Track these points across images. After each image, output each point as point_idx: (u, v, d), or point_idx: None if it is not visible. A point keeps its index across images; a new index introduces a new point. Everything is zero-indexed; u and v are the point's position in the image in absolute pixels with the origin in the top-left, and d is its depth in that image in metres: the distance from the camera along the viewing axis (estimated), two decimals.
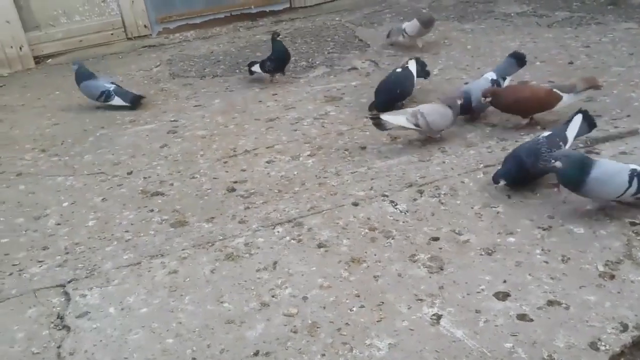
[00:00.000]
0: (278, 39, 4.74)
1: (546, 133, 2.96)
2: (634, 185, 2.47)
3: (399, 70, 4.05)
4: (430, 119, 3.31)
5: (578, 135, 2.99)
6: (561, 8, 5.78)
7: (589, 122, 3.03)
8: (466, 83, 4.02)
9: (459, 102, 3.40)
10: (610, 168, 2.54)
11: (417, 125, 3.32)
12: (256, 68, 4.80)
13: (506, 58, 3.87)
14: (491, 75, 3.72)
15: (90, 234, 2.96)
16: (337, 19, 6.49)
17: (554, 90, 3.38)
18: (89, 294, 2.50)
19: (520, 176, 2.82)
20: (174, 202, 3.18)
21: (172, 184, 3.37)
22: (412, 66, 4.05)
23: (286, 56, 4.77)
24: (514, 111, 3.49)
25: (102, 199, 3.30)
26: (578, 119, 3.00)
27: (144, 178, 3.48)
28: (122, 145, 3.99)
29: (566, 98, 3.37)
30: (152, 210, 3.12)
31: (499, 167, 2.90)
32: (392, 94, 3.91)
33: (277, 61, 4.73)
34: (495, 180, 2.83)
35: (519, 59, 3.79)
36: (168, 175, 3.48)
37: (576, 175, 2.50)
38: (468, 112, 3.58)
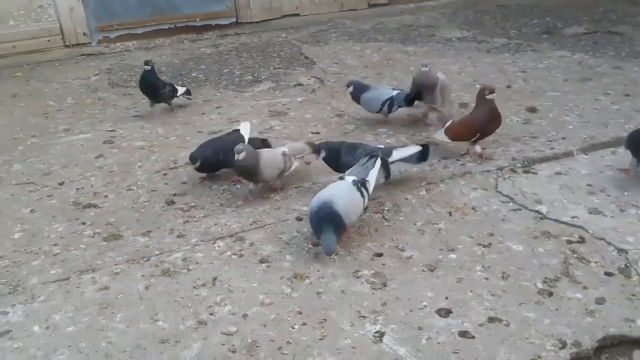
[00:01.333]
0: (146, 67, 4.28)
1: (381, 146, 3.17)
2: None
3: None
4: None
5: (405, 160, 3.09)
6: (499, 35, 6.00)
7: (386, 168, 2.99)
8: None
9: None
10: None
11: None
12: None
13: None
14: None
15: (16, 247, 2.77)
16: (283, 35, 6.49)
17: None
18: (11, 311, 2.32)
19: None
20: (108, 214, 3.03)
21: (106, 196, 3.21)
22: (245, 129, 3.46)
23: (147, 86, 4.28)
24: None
25: (30, 210, 3.11)
26: (415, 148, 3.10)
27: (77, 189, 3.31)
28: (55, 154, 3.80)
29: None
30: (83, 223, 2.96)
31: None
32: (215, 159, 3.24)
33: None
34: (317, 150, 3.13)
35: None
36: (102, 186, 3.32)
37: None
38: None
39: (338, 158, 3.07)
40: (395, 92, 3.85)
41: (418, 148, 3.10)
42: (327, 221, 2.48)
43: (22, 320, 2.28)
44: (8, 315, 2.30)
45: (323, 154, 3.12)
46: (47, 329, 2.22)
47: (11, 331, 2.22)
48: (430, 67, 3.85)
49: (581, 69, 4.81)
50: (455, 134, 3.33)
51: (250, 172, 3.00)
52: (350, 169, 2.85)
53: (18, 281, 2.51)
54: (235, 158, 2.87)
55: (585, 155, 3.31)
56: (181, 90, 4.46)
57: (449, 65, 5.11)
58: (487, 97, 3.23)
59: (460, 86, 4.55)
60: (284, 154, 3.10)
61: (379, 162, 2.85)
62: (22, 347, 2.13)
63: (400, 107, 3.84)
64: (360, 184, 2.68)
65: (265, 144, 3.43)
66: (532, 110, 4.02)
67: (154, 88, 4.30)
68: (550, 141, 3.52)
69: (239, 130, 3.46)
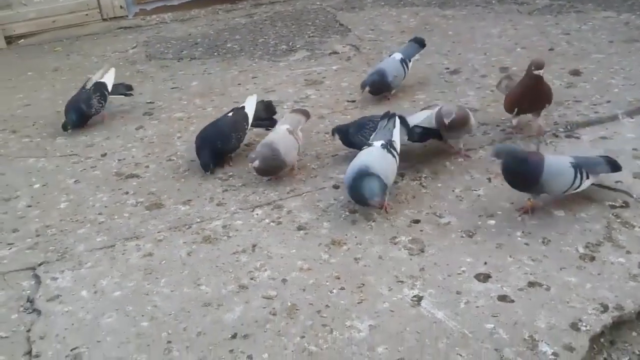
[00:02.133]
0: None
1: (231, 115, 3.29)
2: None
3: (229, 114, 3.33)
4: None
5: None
6: None
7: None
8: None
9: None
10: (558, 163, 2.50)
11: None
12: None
13: (408, 42, 4.06)
14: (399, 55, 3.85)
15: (62, 216, 2.87)
16: (317, 3, 6.40)
17: None
18: (60, 277, 2.42)
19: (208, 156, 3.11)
20: (149, 184, 3.10)
21: (147, 166, 3.28)
22: (250, 105, 3.33)
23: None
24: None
25: (75, 181, 3.20)
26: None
27: (119, 160, 3.39)
28: (97, 127, 3.88)
29: None
30: (126, 193, 3.04)
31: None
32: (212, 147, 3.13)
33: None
34: (204, 167, 3.10)
35: (420, 43, 3.98)
36: (143, 157, 3.40)
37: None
38: (383, 89, 3.77)
39: (348, 138, 3.09)
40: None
41: (429, 112, 3.05)
42: (367, 181, 2.50)
43: (71, 285, 2.38)
44: (57, 281, 2.40)
45: (336, 136, 3.13)
46: (94, 294, 2.31)
47: (61, 296, 2.32)
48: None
49: (628, 30, 4.60)
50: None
51: (274, 170, 2.93)
52: (374, 134, 2.84)
53: (65, 249, 2.61)
54: (252, 167, 2.85)
55: (631, 119, 3.20)
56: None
57: (489, 28, 4.96)
58: (534, 72, 2.95)
59: (500, 50, 4.43)
60: (289, 132, 3.01)
61: (397, 120, 2.85)
62: (72, 311, 2.23)
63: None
64: (389, 146, 2.70)
65: (269, 108, 3.43)
66: (576, 73, 3.89)
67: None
68: (594, 105, 3.41)
69: (243, 107, 3.31)
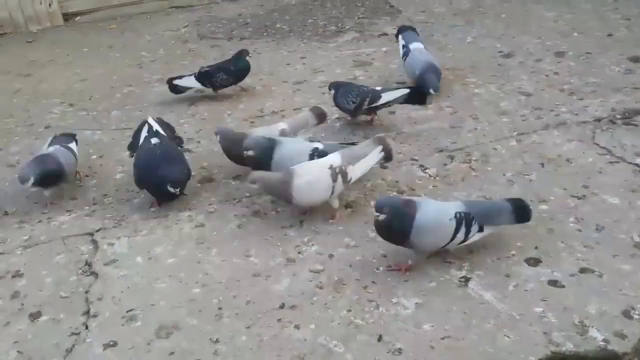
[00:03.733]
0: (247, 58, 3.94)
1: (377, 87, 3.28)
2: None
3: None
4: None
5: (396, 100, 3.19)
6: None
7: (418, 97, 3.20)
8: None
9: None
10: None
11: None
12: (188, 82, 3.87)
13: (409, 32, 3.80)
14: (420, 44, 3.67)
15: (118, 186, 2.97)
16: None
17: None
18: (116, 242, 2.52)
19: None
20: (201, 159, 3.17)
21: (199, 142, 3.36)
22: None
23: (247, 73, 3.93)
24: None
25: (130, 153, 3.30)
26: (403, 90, 3.19)
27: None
28: (150, 102, 3.98)
29: None
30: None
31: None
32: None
33: (236, 76, 3.90)
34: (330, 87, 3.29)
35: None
36: (195, 132, 3.47)
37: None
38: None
39: (336, 98, 3.25)
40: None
41: (406, 90, 3.18)
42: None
43: (127, 251, 2.47)
44: (114, 247, 2.50)
45: (332, 91, 3.27)
46: (149, 260, 2.40)
47: (117, 260, 2.41)
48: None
49: None
50: None
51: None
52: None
53: (122, 216, 2.70)
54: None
55: None
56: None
57: (545, 12, 4.82)
58: None
59: (556, 34, 4.31)
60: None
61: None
62: (127, 275, 2.32)
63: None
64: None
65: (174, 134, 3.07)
66: (636, 60, 3.75)
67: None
68: None
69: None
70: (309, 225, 2.52)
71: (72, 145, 2.99)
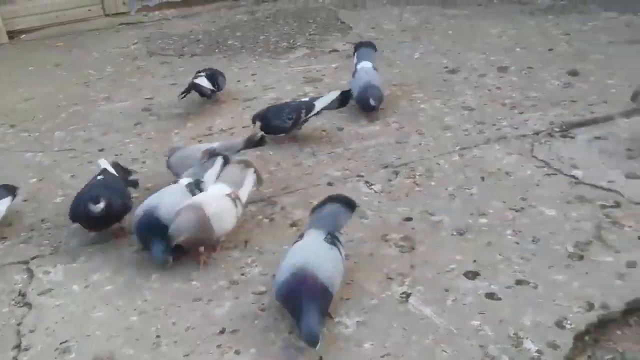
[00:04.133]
0: None
1: (304, 99, 3.38)
2: None
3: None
4: None
5: (327, 107, 3.31)
6: None
7: (343, 100, 3.35)
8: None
9: None
10: None
11: None
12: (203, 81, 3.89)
13: (363, 49, 3.85)
14: (368, 64, 3.68)
15: (57, 210, 2.89)
16: (320, 0, 6.42)
17: None
18: (52, 271, 2.44)
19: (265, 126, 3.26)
20: (145, 180, 3.11)
21: (144, 162, 3.30)
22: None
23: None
24: None
25: (72, 176, 3.23)
26: (333, 94, 3.33)
27: (116, 155, 3.40)
28: (95, 122, 3.91)
29: None
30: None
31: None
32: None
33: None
34: (253, 121, 3.28)
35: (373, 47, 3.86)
36: (141, 153, 3.42)
37: None
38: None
39: (269, 123, 3.27)
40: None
41: (337, 93, 3.32)
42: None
43: (63, 279, 2.39)
44: (50, 275, 2.42)
45: (257, 123, 3.29)
46: (86, 288, 2.33)
47: (53, 289, 2.33)
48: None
49: (629, 31, 4.59)
50: None
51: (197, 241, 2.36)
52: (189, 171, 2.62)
53: (59, 243, 2.63)
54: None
55: (626, 119, 3.20)
56: None
57: (490, 28, 4.96)
58: None
59: (500, 50, 4.43)
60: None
61: (219, 161, 2.61)
62: (63, 305, 2.24)
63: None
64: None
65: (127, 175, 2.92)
66: (574, 73, 3.88)
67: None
68: (590, 105, 3.41)
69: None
70: (253, 246, 2.50)
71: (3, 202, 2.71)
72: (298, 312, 1.88)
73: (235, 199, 2.40)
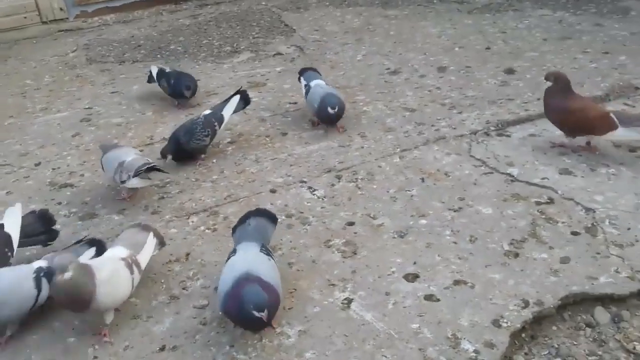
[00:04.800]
0: None
1: (207, 112, 3.27)
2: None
3: None
4: None
5: (235, 111, 3.35)
6: None
7: (245, 99, 3.44)
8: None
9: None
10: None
11: None
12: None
13: (310, 72, 3.69)
14: (322, 82, 3.56)
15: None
16: (263, 3, 6.39)
17: (610, 115, 2.82)
18: None
19: (179, 152, 3.17)
20: (83, 193, 3.04)
21: (82, 175, 3.22)
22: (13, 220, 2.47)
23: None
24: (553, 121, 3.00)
25: (7, 192, 3.12)
26: (236, 99, 3.36)
27: (53, 169, 3.31)
28: (32, 134, 3.79)
29: (621, 131, 2.78)
30: (59, 203, 2.97)
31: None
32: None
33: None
34: (163, 155, 3.15)
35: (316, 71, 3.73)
36: (79, 165, 3.33)
37: None
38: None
39: (183, 150, 3.18)
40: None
41: (236, 96, 3.37)
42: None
43: None
44: None
45: (169, 157, 3.18)
46: None
47: None
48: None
49: (561, 28, 4.76)
50: None
51: (72, 304, 2.05)
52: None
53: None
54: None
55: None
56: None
57: (429, 28, 5.04)
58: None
59: (439, 49, 4.51)
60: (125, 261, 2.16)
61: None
62: None
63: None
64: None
65: (44, 218, 2.58)
66: (510, 71, 3.99)
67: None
68: (525, 102, 3.51)
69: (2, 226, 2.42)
70: (195, 258, 2.47)
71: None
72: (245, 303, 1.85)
73: (132, 264, 2.14)
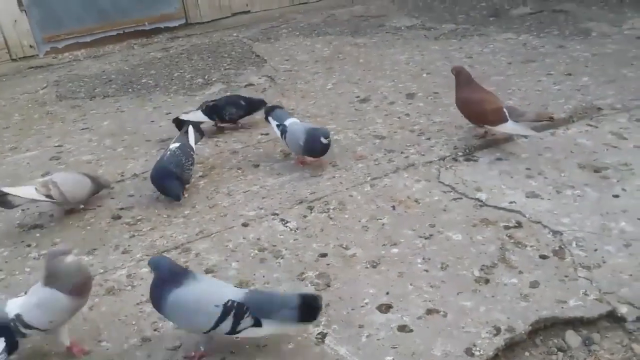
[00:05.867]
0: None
1: (177, 144, 3.29)
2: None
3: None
4: (64, 188, 3.00)
5: (197, 141, 3.44)
6: (447, 21, 6.05)
7: (199, 131, 3.53)
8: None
9: None
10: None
11: (49, 196, 2.97)
12: (196, 116, 3.88)
13: (279, 110, 3.57)
14: (295, 120, 3.46)
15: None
16: (234, 34, 6.45)
17: (503, 109, 3.16)
18: None
19: (178, 185, 3.14)
20: (53, 234, 3.00)
21: (52, 215, 3.18)
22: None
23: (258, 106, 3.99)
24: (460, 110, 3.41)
25: None
26: (191, 130, 3.44)
27: (22, 210, 3.25)
28: (1, 174, 3.73)
29: (510, 124, 3.13)
30: (29, 245, 2.93)
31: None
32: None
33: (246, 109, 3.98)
34: (177, 197, 3.12)
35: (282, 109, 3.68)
36: (48, 205, 3.28)
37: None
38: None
39: (177, 178, 3.15)
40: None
41: (191, 128, 3.46)
42: None
43: None
44: None
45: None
46: None
47: None
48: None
49: (525, 51, 4.89)
50: None
51: None
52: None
53: None
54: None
55: (525, 139, 3.38)
56: None
57: (398, 55, 5.14)
58: None
59: (407, 76, 4.60)
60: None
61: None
62: None
63: None
64: None
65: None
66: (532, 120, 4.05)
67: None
68: None
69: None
70: None
71: None
72: None
73: None
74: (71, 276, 2.08)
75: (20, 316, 2.05)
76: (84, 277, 2.15)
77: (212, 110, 3.91)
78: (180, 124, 3.74)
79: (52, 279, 2.07)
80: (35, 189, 2.98)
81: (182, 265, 2.32)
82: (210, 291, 2.04)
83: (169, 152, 3.25)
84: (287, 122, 3.41)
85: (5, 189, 2.96)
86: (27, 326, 2.05)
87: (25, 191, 3.00)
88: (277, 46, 5.84)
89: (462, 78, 3.35)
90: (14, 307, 2.07)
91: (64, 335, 2.15)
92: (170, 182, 3.14)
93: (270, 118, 3.55)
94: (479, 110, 3.24)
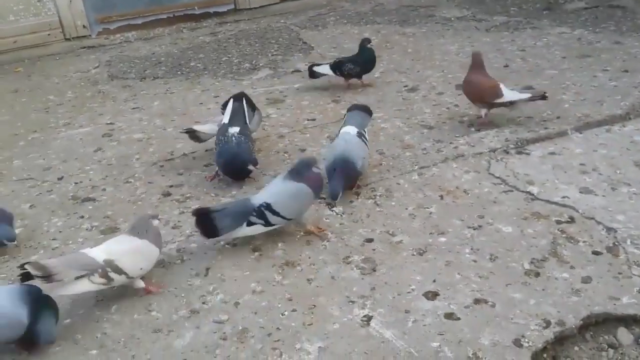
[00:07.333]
0: (369, 46, 4.23)
1: (235, 128, 3.20)
2: None
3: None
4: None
5: (250, 119, 3.41)
6: (499, 13, 5.94)
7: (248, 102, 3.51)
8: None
9: None
10: None
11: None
12: (323, 69, 4.32)
13: (355, 112, 3.22)
14: (354, 129, 3.04)
15: (16, 242, 2.82)
16: (282, 21, 6.48)
17: (499, 85, 3.38)
18: None
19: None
20: (105, 207, 3.08)
21: (104, 189, 3.27)
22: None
23: (373, 64, 4.31)
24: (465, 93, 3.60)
25: (30, 206, 3.17)
26: (239, 106, 3.41)
27: (75, 183, 3.36)
28: (55, 149, 3.85)
29: (506, 93, 3.36)
30: (82, 217, 3.01)
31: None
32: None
33: (364, 65, 4.27)
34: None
35: (367, 111, 3.27)
36: (101, 180, 3.38)
37: None
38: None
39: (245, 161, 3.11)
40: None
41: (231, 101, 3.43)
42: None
43: None
44: None
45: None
46: None
47: None
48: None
49: (580, 46, 4.76)
50: None
51: None
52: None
53: (18, 276, 2.56)
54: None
55: (579, 134, 3.30)
56: None
57: (448, 45, 5.07)
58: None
59: (457, 67, 4.53)
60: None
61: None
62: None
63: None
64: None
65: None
66: (529, 89, 3.97)
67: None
68: (544, 121, 3.50)
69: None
70: (215, 273, 2.49)
71: None
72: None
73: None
74: (154, 232, 2.41)
75: (112, 262, 2.27)
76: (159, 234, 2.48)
77: (337, 66, 4.28)
78: (194, 135, 3.48)
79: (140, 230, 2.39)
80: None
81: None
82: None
83: (234, 139, 3.12)
84: (343, 130, 3.08)
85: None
86: (119, 271, 2.28)
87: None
88: (324, 33, 5.84)
89: (474, 62, 3.50)
90: (99, 253, 2.30)
91: (139, 281, 2.38)
92: (245, 171, 3.16)
93: (345, 117, 3.23)
94: (478, 88, 3.44)
